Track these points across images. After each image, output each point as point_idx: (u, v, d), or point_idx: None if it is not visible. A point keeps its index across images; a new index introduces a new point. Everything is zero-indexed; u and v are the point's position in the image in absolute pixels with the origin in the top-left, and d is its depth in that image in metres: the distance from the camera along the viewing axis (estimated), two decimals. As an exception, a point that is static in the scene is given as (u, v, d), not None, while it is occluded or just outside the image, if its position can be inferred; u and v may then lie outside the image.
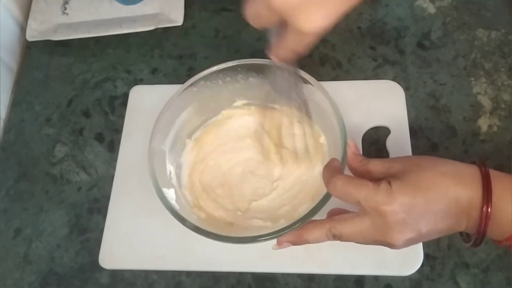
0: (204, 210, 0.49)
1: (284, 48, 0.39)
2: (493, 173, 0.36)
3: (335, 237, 0.38)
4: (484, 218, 0.35)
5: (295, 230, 0.40)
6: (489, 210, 0.35)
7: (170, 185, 0.48)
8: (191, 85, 0.49)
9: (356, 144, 0.42)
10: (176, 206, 0.45)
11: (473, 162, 0.38)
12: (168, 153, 0.49)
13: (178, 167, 0.51)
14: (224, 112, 0.53)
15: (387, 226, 0.36)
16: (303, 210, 0.44)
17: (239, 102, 0.53)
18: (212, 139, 0.53)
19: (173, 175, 0.49)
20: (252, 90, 0.51)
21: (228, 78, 0.51)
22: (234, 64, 0.49)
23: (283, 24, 0.37)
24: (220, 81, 0.51)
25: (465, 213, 0.36)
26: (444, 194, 0.36)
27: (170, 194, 0.46)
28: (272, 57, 0.41)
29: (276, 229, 0.41)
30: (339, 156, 0.43)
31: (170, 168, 0.49)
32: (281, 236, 0.41)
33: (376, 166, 0.39)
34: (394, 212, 0.35)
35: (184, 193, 0.50)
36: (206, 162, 0.52)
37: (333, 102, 0.46)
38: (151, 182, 0.45)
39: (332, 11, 0.35)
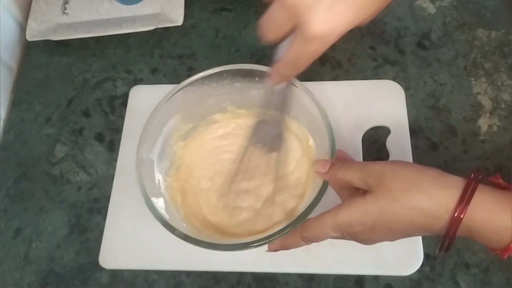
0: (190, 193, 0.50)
1: (286, 62, 0.37)
2: (482, 187, 0.35)
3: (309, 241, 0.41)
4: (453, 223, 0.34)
5: (279, 238, 0.41)
6: (461, 216, 0.34)
7: (159, 194, 0.47)
8: (177, 92, 0.49)
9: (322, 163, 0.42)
10: (166, 216, 0.44)
11: (473, 172, 0.36)
12: (156, 162, 0.49)
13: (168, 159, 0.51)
14: (211, 118, 0.53)
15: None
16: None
17: (227, 108, 0.53)
18: (198, 146, 0.53)
19: (161, 184, 0.49)
20: (238, 95, 0.51)
21: (214, 84, 0.50)
22: (219, 70, 0.49)
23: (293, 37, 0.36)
24: (206, 87, 0.50)
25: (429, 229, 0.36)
26: (409, 227, 0.36)
27: (159, 203, 0.46)
28: (272, 76, 0.39)
29: (266, 235, 0.41)
30: (327, 158, 0.43)
31: (158, 177, 0.49)
32: (270, 242, 0.41)
33: (351, 177, 0.40)
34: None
35: (174, 197, 0.49)
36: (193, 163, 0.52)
37: (319, 104, 0.46)
38: (140, 191, 0.45)
39: (343, 18, 0.34)
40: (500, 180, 0.37)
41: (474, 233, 0.35)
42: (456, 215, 0.34)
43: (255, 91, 0.50)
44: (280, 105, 0.43)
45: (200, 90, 0.50)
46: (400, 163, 0.39)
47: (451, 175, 0.36)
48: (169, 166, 0.51)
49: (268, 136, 0.46)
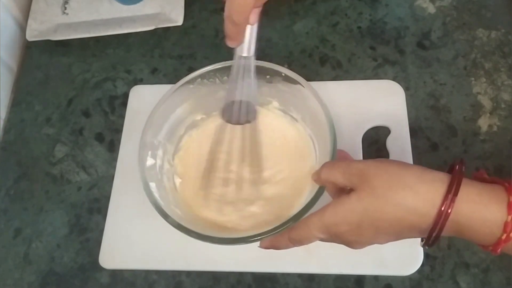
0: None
1: (226, 17, 0.38)
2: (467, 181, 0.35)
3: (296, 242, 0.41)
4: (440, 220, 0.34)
5: (270, 237, 0.41)
6: (449, 210, 0.33)
7: (158, 180, 0.47)
8: (187, 82, 0.49)
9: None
10: (161, 202, 0.44)
11: (453, 165, 0.36)
12: (161, 148, 0.49)
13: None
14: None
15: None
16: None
17: None
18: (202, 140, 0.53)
19: (163, 170, 0.49)
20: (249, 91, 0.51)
21: (225, 78, 0.50)
22: (230, 64, 0.49)
23: None
24: (217, 80, 0.51)
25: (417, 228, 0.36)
26: (395, 225, 0.36)
27: (157, 189, 0.46)
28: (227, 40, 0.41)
29: (256, 232, 0.41)
30: (328, 157, 0.43)
31: (159, 163, 0.49)
32: (261, 239, 0.41)
33: (336, 177, 0.40)
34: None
35: (173, 184, 0.49)
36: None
37: (323, 103, 0.46)
38: (139, 175, 0.45)
39: None
40: (485, 176, 0.37)
41: (463, 229, 0.34)
42: (443, 208, 0.33)
43: (266, 89, 0.50)
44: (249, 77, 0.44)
45: (210, 83, 0.50)
46: (384, 160, 0.38)
47: (436, 171, 0.36)
48: (172, 153, 0.51)
49: (240, 112, 0.46)
